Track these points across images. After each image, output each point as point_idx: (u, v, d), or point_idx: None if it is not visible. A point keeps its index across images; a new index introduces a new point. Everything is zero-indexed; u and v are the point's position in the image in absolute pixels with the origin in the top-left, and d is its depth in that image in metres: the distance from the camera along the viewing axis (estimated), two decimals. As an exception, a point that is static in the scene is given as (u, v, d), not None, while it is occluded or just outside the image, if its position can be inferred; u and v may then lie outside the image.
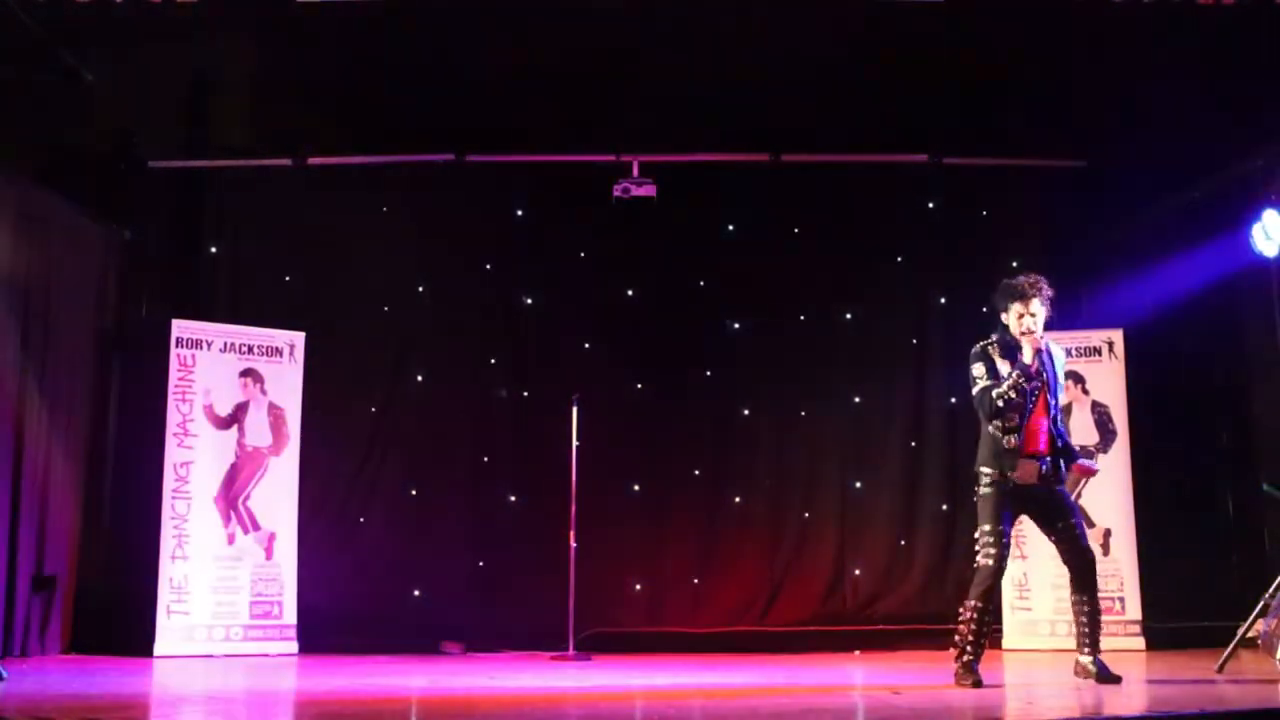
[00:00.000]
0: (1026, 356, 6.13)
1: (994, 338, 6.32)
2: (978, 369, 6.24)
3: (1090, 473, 6.54)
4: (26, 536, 7.97)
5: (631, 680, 6.82)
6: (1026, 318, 6.19)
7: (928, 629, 9.01)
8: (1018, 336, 6.20)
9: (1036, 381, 6.16)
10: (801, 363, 9.57)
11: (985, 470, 6.20)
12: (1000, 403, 6.13)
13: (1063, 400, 6.36)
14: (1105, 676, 6.03)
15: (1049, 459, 6.17)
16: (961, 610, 6.19)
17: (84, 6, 7.52)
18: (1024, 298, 6.22)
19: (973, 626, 6.07)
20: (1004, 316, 6.30)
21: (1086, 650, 6.15)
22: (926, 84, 8.87)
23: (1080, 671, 6.16)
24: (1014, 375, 6.11)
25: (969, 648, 6.07)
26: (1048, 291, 6.31)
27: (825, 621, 9.18)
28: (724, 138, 9.31)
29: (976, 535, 6.20)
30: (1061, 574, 8.63)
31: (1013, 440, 6.12)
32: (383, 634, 8.82)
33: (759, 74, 8.69)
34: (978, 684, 5.96)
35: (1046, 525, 6.27)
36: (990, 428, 6.20)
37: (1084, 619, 6.18)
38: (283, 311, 9.22)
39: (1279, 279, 8.30)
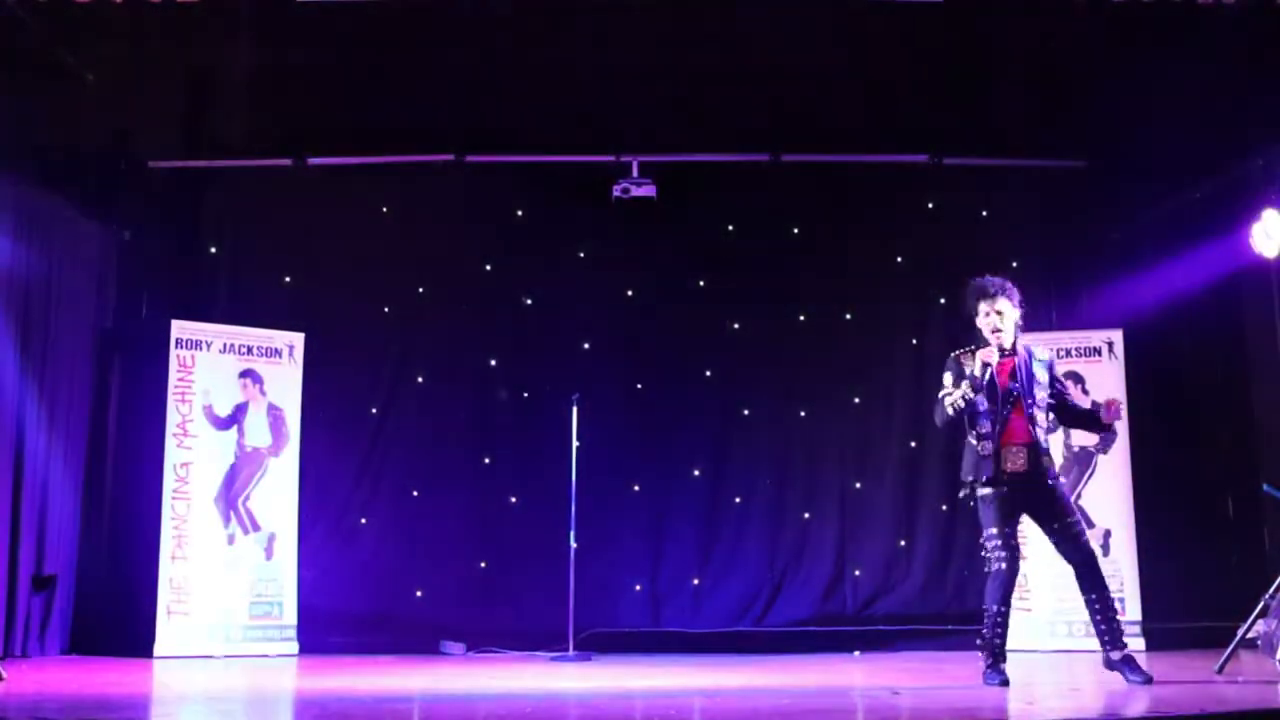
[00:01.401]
0: (975, 368, 6.13)
1: (970, 346, 6.32)
2: (946, 377, 6.28)
3: (1113, 411, 6.38)
4: (27, 536, 7.97)
5: (631, 680, 6.81)
6: (992, 315, 6.18)
7: (928, 629, 9.04)
8: (986, 336, 6.20)
9: (1015, 384, 6.16)
10: (801, 363, 9.57)
11: (971, 479, 6.21)
12: (950, 411, 6.15)
13: (1043, 397, 6.32)
14: (1136, 675, 6.00)
15: (1030, 449, 6.13)
16: (984, 615, 6.13)
17: (84, 6, 7.52)
18: (988, 295, 6.22)
19: (998, 630, 6.07)
20: (976, 319, 6.31)
21: (1108, 646, 6.11)
22: (926, 84, 8.87)
23: (1111, 666, 6.10)
24: (964, 385, 6.12)
25: (990, 650, 6.07)
26: (1016, 293, 6.29)
27: (825, 621, 9.18)
28: (724, 138, 9.31)
29: (982, 541, 6.19)
30: (1062, 574, 8.67)
31: (987, 447, 6.13)
32: (383, 634, 8.83)
33: (759, 74, 8.69)
34: (1005, 683, 5.97)
35: (1044, 524, 6.26)
36: (970, 437, 6.22)
37: (1099, 615, 6.15)
38: (283, 311, 9.23)
39: (1279, 279, 8.29)
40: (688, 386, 9.52)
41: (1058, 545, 6.26)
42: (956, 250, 9.63)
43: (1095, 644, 8.48)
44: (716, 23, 8.30)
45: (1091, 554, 6.22)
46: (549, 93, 8.90)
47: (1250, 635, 6.52)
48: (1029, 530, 8.85)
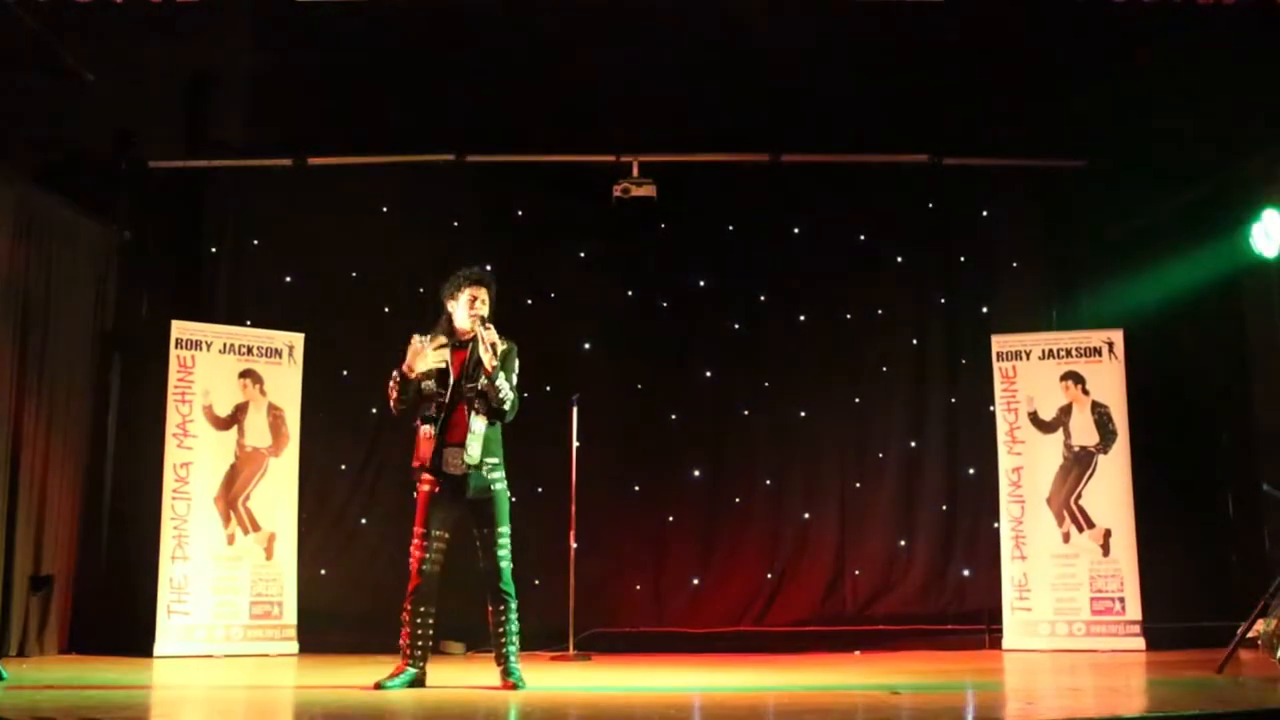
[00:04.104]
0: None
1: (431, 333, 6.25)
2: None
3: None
4: (24, 536, 7.97)
5: (631, 680, 6.82)
6: (478, 303, 6.16)
7: (928, 629, 9.05)
8: (467, 323, 6.15)
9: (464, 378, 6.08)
10: (801, 363, 9.57)
11: (414, 467, 6.14)
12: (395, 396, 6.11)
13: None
14: (518, 685, 6.03)
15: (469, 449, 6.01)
16: (402, 614, 6.10)
17: (84, 6, 7.52)
18: (480, 283, 6.17)
19: (406, 629, 6.06)
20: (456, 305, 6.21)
21: (500, 661, 6.12)
22: (926, 84, 8.87)
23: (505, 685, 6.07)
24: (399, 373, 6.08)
25: (411, 650, 6.06)
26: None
27: (825, 621, 9.18)
28: (724, 138, 9.31)
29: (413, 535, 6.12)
30: (1062, 574, 8.71)
31: (430, 430, 6.06)
32: (383, 634, 8.80)
33: (759, 74, 8.69)
34: (420, 683, 6.00)
35: (475, 530, 6.18)
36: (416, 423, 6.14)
37: (500, 630, 6.14)
38: (283, 312, 9.23)
39: (1279, 279, 8.30)
40: (688, 386, 9.52)
41: (480, 553, 6.21)
42: (956, 250, 9.66)
43: (1095, 644, 8.56)
44: (717, 23, 8.29)
45: (497, 569, 6.15)
46: (549, 93, 8.90)
47: (1250, 635, 6.53)
48: (1029, 531, 8.90)
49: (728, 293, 9.61)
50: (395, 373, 6.15)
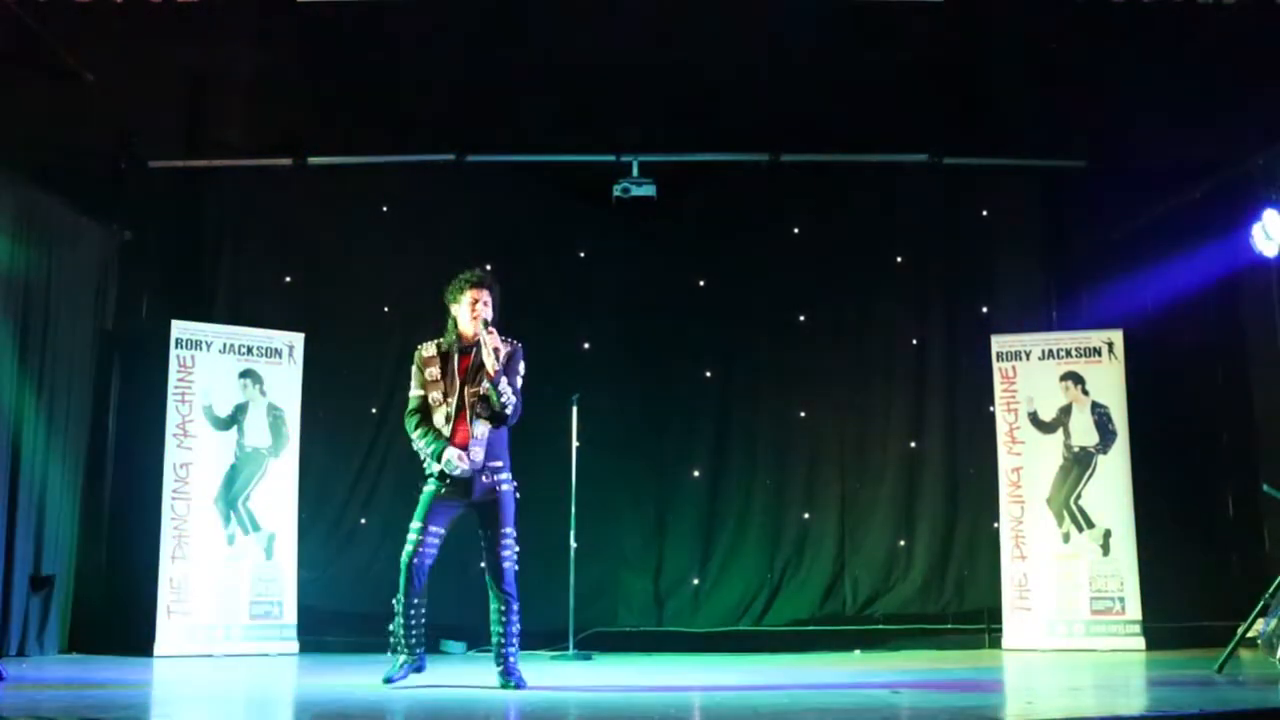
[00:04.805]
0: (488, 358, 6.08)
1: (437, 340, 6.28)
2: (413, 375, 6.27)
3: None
4: (24, 536, 7.97)
5: (631, 680, 6.82)
6: (480, 305, 6.16)
7: (928, 629, 9.06)
8: (472, 326, 6.14)
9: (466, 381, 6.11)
10: (801, 363, 9.57)
11: (424, 468, 6.19)
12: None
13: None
14: (519, 686, 6.05)
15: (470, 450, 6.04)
16: (395, 606, 6.15)
17: (84, 6, 7.52)
18: (481, 284, 6.17)
19: (401, 620, 6.11)
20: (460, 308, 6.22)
21: (500, 661, 6.14)
22: (926, 84, 8.88)
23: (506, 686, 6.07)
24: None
25: (408, 639, 6.10)
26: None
27: (825, 621, 9.19)
28: (724, 138, 9.31)
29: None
30: (1062, 573, 8.71)
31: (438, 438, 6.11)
32: (383, 634, 8.79)
33: (759, 74, 8.70)
34: (419, 669, 6.10)
35: (480, 530, 6.22)
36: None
37: (501, 630, 6.16)
38: (283, 312, 9.23)
39: (1279, 279, 8.30)
40: (688, 386, 9.52)
41: (484, 554, 6.23)
42: (956, 250, 9.66)
43: (1095, 644, 8.57)
44: (717, 22, 8.30)
45: (502, 570, 6.15)
46: (549, 93, 8.90)
47: (1250, 635, 6.53)
48: (1029, 530, 8.91)
49: (728, 293, 9.60)
50: (423, 449, 6.17)
